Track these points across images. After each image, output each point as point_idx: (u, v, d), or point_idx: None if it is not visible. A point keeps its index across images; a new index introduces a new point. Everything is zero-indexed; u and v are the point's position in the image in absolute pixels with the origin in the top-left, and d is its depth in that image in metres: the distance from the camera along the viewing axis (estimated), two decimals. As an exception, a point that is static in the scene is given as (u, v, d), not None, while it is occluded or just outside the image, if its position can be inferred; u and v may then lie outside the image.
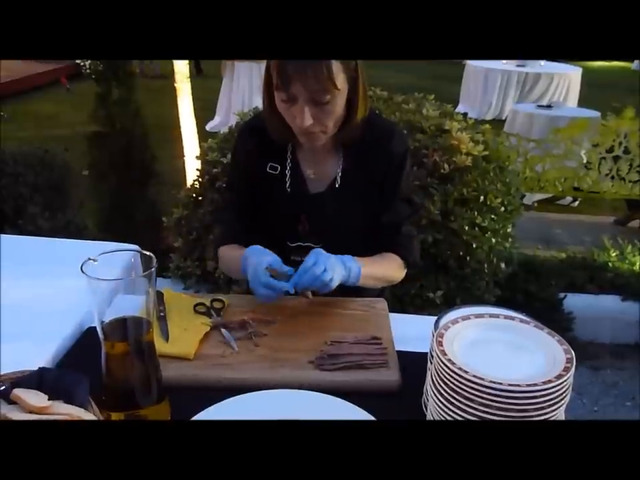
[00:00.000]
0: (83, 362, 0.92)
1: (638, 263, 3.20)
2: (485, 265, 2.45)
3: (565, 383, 0.79)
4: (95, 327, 0.85)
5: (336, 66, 1.14)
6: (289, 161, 1.36)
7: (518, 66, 7.39)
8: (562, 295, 2.96)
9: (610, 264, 3.21)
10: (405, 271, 1.42)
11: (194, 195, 2.65)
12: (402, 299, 2.35)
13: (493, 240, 2.44)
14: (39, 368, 0.87)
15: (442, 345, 0.84)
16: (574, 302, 2.96)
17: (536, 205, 4.68)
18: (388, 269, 1.38)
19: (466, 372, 0.78)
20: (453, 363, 0.80)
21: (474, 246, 2.37)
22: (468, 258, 2.40)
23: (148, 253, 0.85)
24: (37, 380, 0.84)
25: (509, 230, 2.57)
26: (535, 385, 0.76)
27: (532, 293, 2.87)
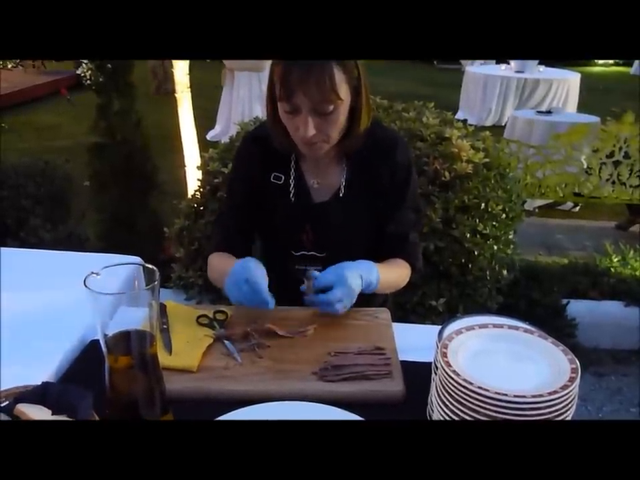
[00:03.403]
0: (86, 375, 0.92)
1: (640, 269, 3.20)
2: (487, 272, 2.45)
3: (570, 394, 0.78)
4: (98, 340, 0.84)
5: (339, 76, 1.15)
6: (292, 170, 1.36)
7: (517, 72, 7.40)
8: (565, 301, 2.96)
9: (612, 269, 3.20)
10: (409, 277, 1.43)
11: (195, 205, 2.65)
12: (404, 307, 2.34)
13: (495, 247, 2.44)
14: (42, 382, 0.87)
15: (446, 356, 0.84)
16: (577, 308, 2.95)
17: (537, 210, 4.68)
18: (400, 275, 1.39)
19: (471, 383, 0.78)
20: (458, 375, 0.80)
21: (476, 253, 2.37)
22: (470, 265, 2.39)
23: (150, 266, 0.85)
24: (40, 395, 0.84)
25: (510, 236, 2.57)
26: (541, 395, 0.76)
27: (534, 299, 2.86)
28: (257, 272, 1.19)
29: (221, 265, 1.35)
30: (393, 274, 1.36)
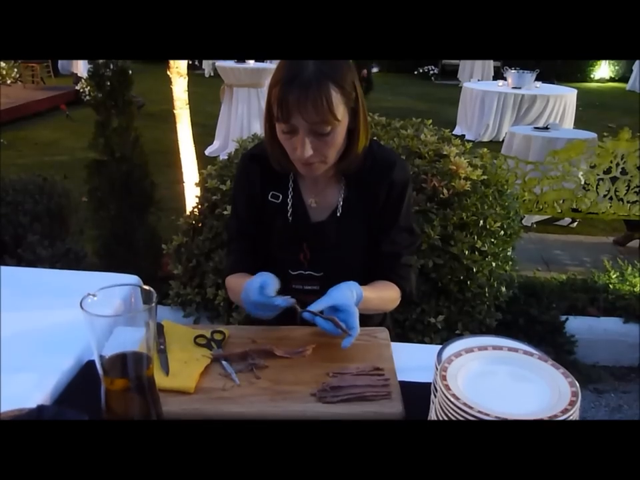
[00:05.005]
0: (82, 396, 0.91)
1: (639, 285, 3.19)
2: (486, 289, 2.45)
3: (571, 418, 0.77)
4: (94, 360, 0.84)
5: (336, 98, 1.15)
6: (290, 189, 1.36)
7: (514, 88, 7.46)
8: (563, 317, 2.95)
9: (611, 286, 3.19)
10: (399, 300, 1.41)
11: (193, 222, 2.66)
12: (403, 324, 2.34)
13: (493, 264, 2.44)
14: (37, 405, 0.86)
15: (445, 380, 0.83)
16: (575, 325, 2.94)
17: (535, 226, 4.69)
18: (384, 298, 1.37)
19: (470, 407, 0.77)
20: (457, 398, 0.79)
21: (474, 270, 2.37)
22: (468, 282, 2.39)
23: (148, 288, 0.84)
24: (35, 417, 0.83)
25: (508, 253, 2.58)
26: (541, 420, 0.75)
27: (533, 316, 2.85)
28: (269, 279, 1.23)
29: (238, 286, 1.34)
30: (378, 294, 1.34)
